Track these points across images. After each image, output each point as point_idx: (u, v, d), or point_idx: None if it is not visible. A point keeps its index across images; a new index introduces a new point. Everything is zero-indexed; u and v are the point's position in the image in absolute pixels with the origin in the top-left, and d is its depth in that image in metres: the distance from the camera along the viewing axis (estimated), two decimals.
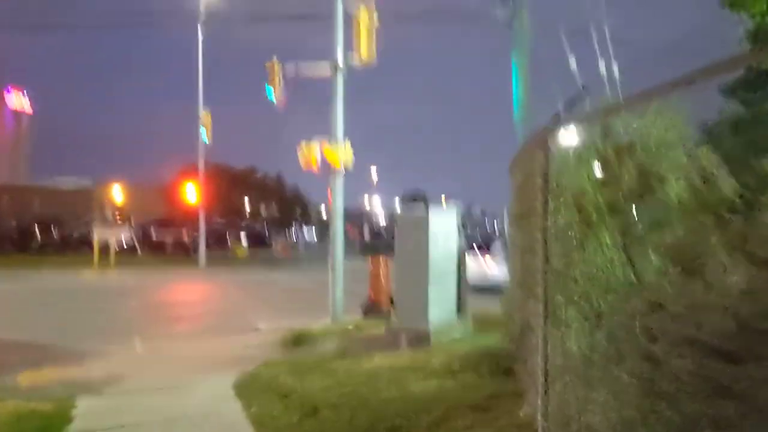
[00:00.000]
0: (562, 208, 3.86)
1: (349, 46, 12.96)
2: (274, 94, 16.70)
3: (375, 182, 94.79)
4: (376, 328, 10.27)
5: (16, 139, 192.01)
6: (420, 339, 8.10)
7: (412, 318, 8.38)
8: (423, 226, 8.24)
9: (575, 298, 3.62)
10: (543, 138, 4.12)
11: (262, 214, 37.30)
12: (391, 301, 12.18)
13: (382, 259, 12.35)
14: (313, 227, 48.40)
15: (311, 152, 12.78)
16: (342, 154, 12.38)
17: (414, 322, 8.33)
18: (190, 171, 32.51)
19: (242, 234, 40.17)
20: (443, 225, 8.58)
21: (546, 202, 3.94)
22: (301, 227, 41.83)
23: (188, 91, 29.41)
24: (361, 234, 44.32)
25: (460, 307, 8.90)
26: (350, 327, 10.75)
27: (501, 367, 6.36)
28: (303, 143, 12.88)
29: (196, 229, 31.95)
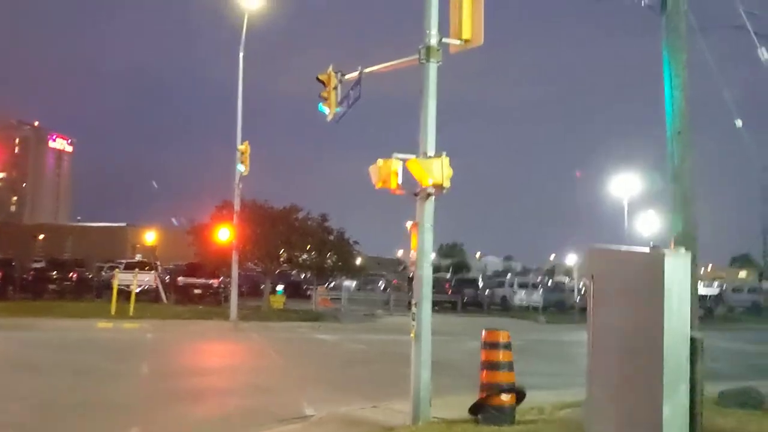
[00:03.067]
0: None
1: (443, 30, 9.30)
2: (329, 109, 13.55)
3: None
4: None
5: (57, 180, 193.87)
6: None
7: None
8: (653, 277, 4.29)
9: None
10: None
11: (301, 260, 33.41)
12: (517, 395, 8.14)
13: (502, 333, 8.29)
14: (356, 277, 44.48)
15: (389, 168, 8.99)
16: (436, 169, 8.53)
17: None
18: (225, 210, 29.03)
19: (279, 282, 36.37)
20: (678, 280, 4.58)
21: None
22: (344, 276, 37.88)
23: (229, 133, 26.26)
24: (409, 283, 40.12)
25: (694, 429, 4.85)
26: None
27: None
28: (379, 160, 9.14)
29: (228, 275, 28.30)
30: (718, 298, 44.21)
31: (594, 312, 4.81)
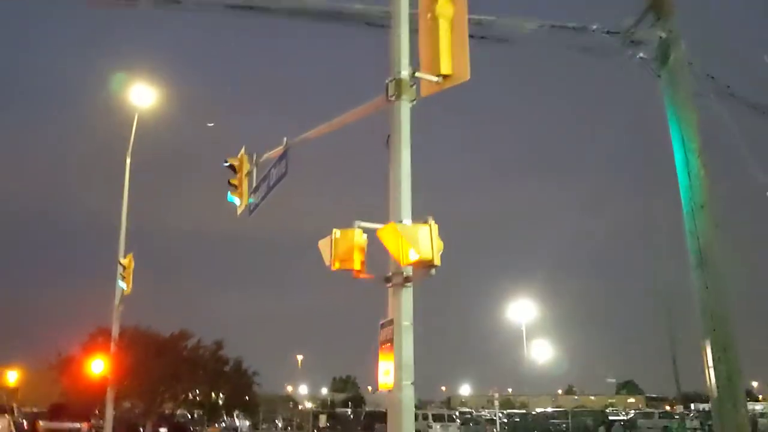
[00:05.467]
0: None
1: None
2: (240, 200, 11.13)
3: (299, 364, 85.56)
4: None
5: None
6: None
7: None
8: None
9: None
10: None
11: (189, 396, 28.97)
12: None
13: None
14: (252, 414, 39.79)
15: (351, 241, 6.25)
16: (423, 239, 5.86)
17: None
18: (101, 338, 24.69)
19: (162, 423, 31.33)
20: None
21: None
22: (239, 414, 33.41)
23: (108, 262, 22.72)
24: (315, 420, 36.02)
25: None
26: None
27: None
28: (336, 230, 6.41)
29: (101, 417, 23.60)
30: (632, 424, 42.94)
31: None
